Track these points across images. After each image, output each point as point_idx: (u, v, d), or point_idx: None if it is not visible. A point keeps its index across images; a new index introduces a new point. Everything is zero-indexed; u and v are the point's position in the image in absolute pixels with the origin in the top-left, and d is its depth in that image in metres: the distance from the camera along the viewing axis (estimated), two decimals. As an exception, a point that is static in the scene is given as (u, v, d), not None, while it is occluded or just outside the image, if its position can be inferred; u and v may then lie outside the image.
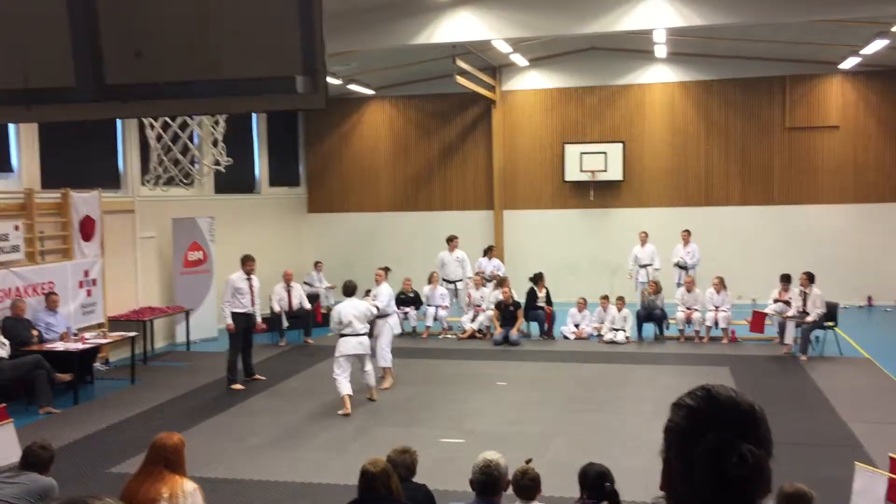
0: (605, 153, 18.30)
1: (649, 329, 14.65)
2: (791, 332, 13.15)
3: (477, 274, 15.95)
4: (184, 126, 9.62)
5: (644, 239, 16.42)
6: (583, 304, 15.08)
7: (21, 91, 1.99)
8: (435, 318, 15.45)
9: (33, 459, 5.68)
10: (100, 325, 13.05)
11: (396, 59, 16.84)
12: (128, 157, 14.42)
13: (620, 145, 18.32)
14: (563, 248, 18.66)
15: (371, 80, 18.63)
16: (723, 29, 14.21)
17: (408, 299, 15.64)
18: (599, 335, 14.65)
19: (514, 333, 14.45)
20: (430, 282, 15.68)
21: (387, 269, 12.11)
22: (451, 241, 16.17)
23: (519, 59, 17.85)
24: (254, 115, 18.10)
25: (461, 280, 16.10)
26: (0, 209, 11.45)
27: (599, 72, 18.65)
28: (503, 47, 15.71)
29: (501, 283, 15.24)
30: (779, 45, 16.14)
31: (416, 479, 5.47)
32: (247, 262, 11.96)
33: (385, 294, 11.57)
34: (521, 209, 19.21)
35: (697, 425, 1.64)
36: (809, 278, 13.19)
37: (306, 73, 1.89)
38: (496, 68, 18.92)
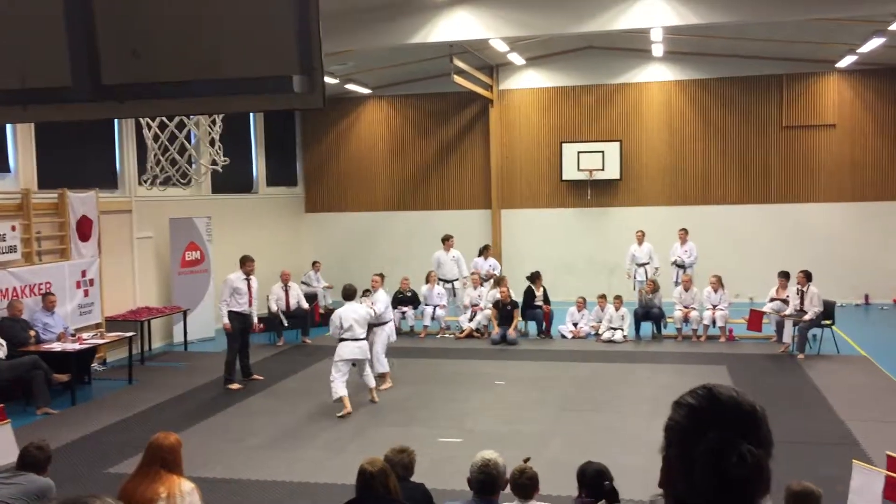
0: (602, 152, 18.31)
1: (647, 328, 14.66)
2: (788, 331, 13.16)
3: (473, 274, 15.95)
4: (181, 126, 9.62)
5: (641, 238, 16.43)
6: (582, 304, 15.09)
7: (18, 91, 1.99)
8: (433, 318, 15.45)
9: (30, 460, 5.68)
10: (97, 326, 13.04)
11: (394, 59, 16.84)
12: (125, 157, 14.40)
13: (618, 144, 18.33)
14: (561, 248, 18.67)
15: (368, 79, 18.63)
16: (719, 27, 14.23)
17: (405, 299, 15.64)
18: (597, 334, 14.65)
19: (511, 333, 14.45)
20: (427, 281, 15.68)
21: (382, 276, 12.07)
22: (447, 240, 16.17)
23: (516, 59, 17.85)
24: (251, 115, 18.08)
25: (457, 279, 16.11)
26: (-3, 209, 11.44)
27: (596, 71, 18.66)
28: (500, 46, 15.71)
29: (499, 282, 15.24)
30: (776, 43, 16.16)
31: (414, 478, 5.47)
32: (246, 263, 11.93)
33: (382, 301, 11.56)
34: (519, 208, 19.21)
35: (698, 424, 1.64)
36: (807, 277, 13.21)
37: (303, 72, 1.89)
38: (493, 67, 18.93)
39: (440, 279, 15.82)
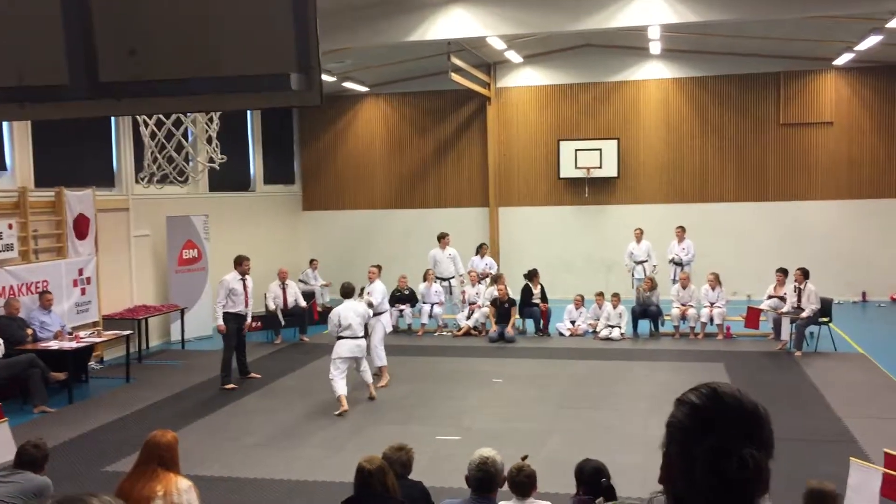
0: (599, 150, 18.31)
1: (644, 325, 14.67)
2: (786, 328, 13.18)
3: (470, 272, 15.97)
4: (178, 123, 9.59)
5: (639, 236, 16.44)
6: (579, 301, 15.09)
7: (15, 89, 1.98)
8: (430, 316, 15.45)
9: (27, 458, 5.68)
10: (94, 324, 13.02)
11: (391, 57, 16.83)
12: (122, 155, 14.38)
13: (615, 142, 18.33)
14: (559, 245, 18.68)
15: (366, 77, 18.61)
16: (717, 25, 14.23)
17: (403, 297, 15.63)
18: (595, 332, 14.66)
19: (509, 332, 14.45)
20: (425, 279, 15.68)
21: (379, 267, 12.10)
22: (443, 238, 16.18)
23: (513, 56, 17.84)
24: (248, 113, 18.06)
25: (454, 277, 16.12)
26: (-7, 208, 11.42)
27: (594, 68, 18.65)
28: (498, 44, 15.71)
29: (496, 279, 15.25)
30: (773, 41, 16.17)
31: (412, 476, 5.47)
32: (242, 263, 11.84)
33: (379, 291, 11.60)
34: (517, 206, 19.22)
35: (700, 423, 1.63)
36: (804, 274, 13.22)
37: (301, 70, 1.88)
38: (491, 65, 18.92)
39: (437, 277, 15.82)
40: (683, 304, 14.56)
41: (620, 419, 9.69)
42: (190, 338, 14.72)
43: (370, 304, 11.17)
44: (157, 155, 9.47)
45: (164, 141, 9.55)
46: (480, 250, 16.56)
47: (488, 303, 15.04)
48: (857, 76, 17.59)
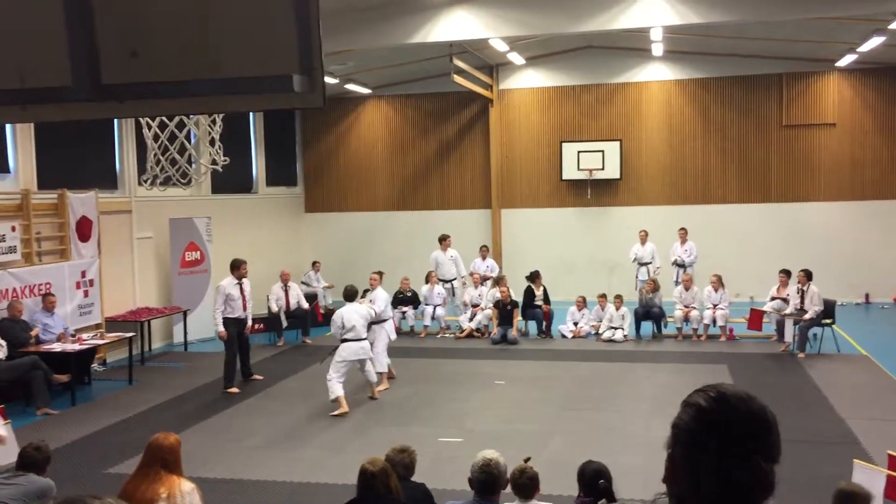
0: (602, 151, 18.30)
1: (647, 327, 14.66)
2: (789, 330, 13.16)
3: (471, 274, 15.98)
4: (181, 125, 9.60)
5: (644, 238, 16.42)
6: (582, 303, 15.08)
7: (17, 91, 1.98)
8: (433, 318, 15.45)
9: (28, 460, 5.69)
10: (97, 326, 13.03)
11: (393, 59, 16.83)
12: (124, 158, 14.40)
13: (618, 143, 18.32)
14: (561, 247, 18.66)
15: (368, 79, 18.62)
16: (719, 27, 14.22)
17: (406, 299, 15.63)
18: (597, 333, 14.65)
19: (514, 334, 14.42)
20: (427, 281, 15.67)
21: (381, 274, 12.06)
22: (444, 240, 16.19)
23: (516, 58, 17.84)
24: (250, 115, 18.07)
25: (456, 279, 16.12)
26: (-3, 210, 11.44)
27: (596, 70, 18.65)
28: (500, 46, 15.71)
29: (498, 281, 15.25)
30: (776, 42, 16.15)
31: (415, 478, 5.47)
32: (239, 267, 11.68)
33: (382, 299, 11.55)
34: (519, 208, 19.21)
35: (707, 427, 1.62)
36: (807, 276, 13.20)
37: (303, 71, 1.88)
38: (493, 67, 18.92)
39: (439, 279, 15.81)
40: (686, 306, 14.54)
41: (623, 421, 9.68)
42: (192, 340, 14.72)
43: (373, 310, 11.15)
44: (161, 157, 9.48)
45: (167, 143, 9.56)
46: (481, 252, 16.55)
47: (491, 305, 15.02)
48: (859, 77, 17.57)
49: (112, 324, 13.27)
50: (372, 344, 11.05)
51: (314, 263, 17.66)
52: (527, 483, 4.99)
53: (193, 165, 10.48)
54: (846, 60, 16.62)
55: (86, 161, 13.72)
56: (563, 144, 18.56)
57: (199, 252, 15.29)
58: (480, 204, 19.45)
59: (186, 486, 4.91)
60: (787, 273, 13.85)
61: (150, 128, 9.49)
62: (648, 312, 14.59)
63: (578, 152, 18.39)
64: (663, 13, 11.77)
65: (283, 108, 2.05)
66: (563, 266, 18.24)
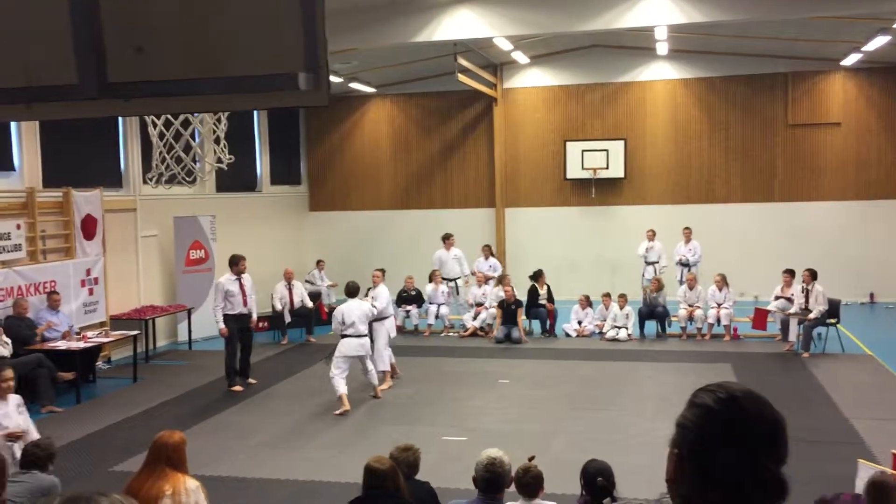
0: (606, 150, 18.28)
1: (651, 326, 14.64)
2: (793, 329, 13.14)
3: (473, 274, 15.99)
4: (186, 124, 9.61)
5: (651, 237, 16.40)
6: (586, 302, 15.07)
7: (23, 89, 1.99)
8: (437, 317, 15.45)
9: (31, 458, 5.73)
10: (102, 324, 13.06)
11: (398, 57, 16.84)
12: (129, 156, 14.42)
13: (622, 143, 18.31)
14: (565, 246, 18.65)
15: (372, 78, 18.63)
16: (724, 26, 14.20)
17: (410, 297, 15.64)
18: (601, 333, 14.64)
19: (523, 339, 14.38)
20: (431, 280, 15.68)
21: (383, 271, 12.04)
22: (447, 239, 16.19)
23: (520, 57, 17.83)
24: (255, 114, 18.09)
25: (459, 278, 16.13)
26: (2, 208, 11.46)
27: (601, 69, 18.63)
28: (504, 45, 15.70)
29: (500, 281, 15.26)
30: (781, 41, 16.12)
31: (419, 476, 5.47)
32: (238, 263, 11.53)
33: (383, 296, 11.50)
34: (523, 207, 19.20)
35: (717, 429, 1.59)
36: (812, 275, 13.18)
37: (308, 70, 1.88)
38: (497, 66, 18.91)
39: (442, 278, 15.82)
40: (690, 305, 14.53)
41: (627, 420, 9.68)
42: (197, 338, 14.74)
43: (374, 308, 11.14)
44: (166, 155, 9.49)
45: (172, 141, 9.57)
46: (483, 252, 16.54)
47: (495, 304, 15.02)
48: (865, 77, 17.53)
49: (117, 322, 13.30)
50: (373, 341, 11.05)
51: (318, 262, 17.68)
52: (530, 482, 4.99)
53: (198, 164, 10.48)
54: (851, 60, 16.58)
55: (91, 159, 13.75)
56: (568, 143, 18.54)
57: (203, 250, 15.31)
58: (484, 203, 19.44)
59: (191, 483, 4.92)
60: (790, 273, 13.82)
61: (155, 126, 9.50)
62: (652, 312, 14.58)
63: (582, 151, 18.38)
64: (668, 12, 11.74)
65: (289, 106, 2.05)
66: (567, 265, 18.23)
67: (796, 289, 13.46)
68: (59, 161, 12.76)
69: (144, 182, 12.66)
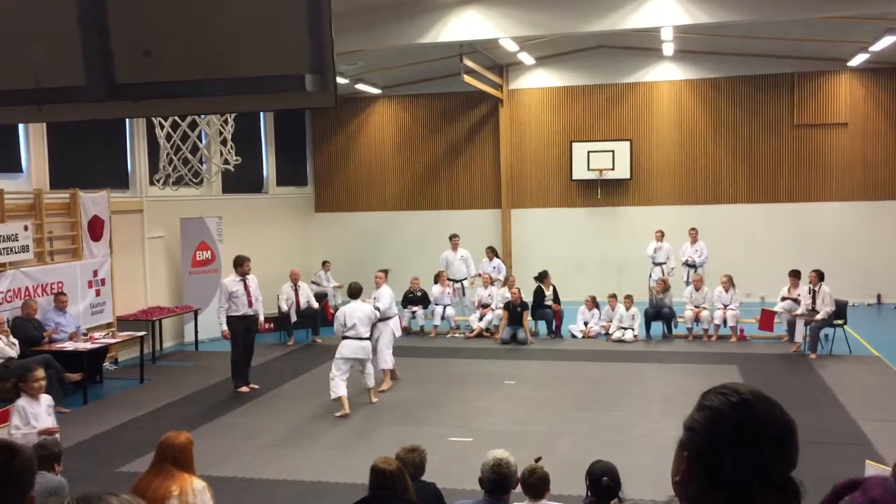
0: (612, 151, 18.27)
1: (658, 327, 14.62)
2: (800, 330, 13.10)
3: (478, 275, 15.99)
4: (193, 125, 9.64)
5: (660, 237, 16.38)
6: (592, 303, 15.05)
7: (32, 91, 2.00)
8: (443, 317, 15.45)
9: (38, 460, 5.71)
10: (109, 325, 13.10)
11: (403, 59, 16.85)
12: (136, 157, 14.47)
13: (628, 143, 18.29)
14: (571, 247, 18.64)
15: (378, 79, 18.64)
16: (730, 26, 14.17)
17: (416, 298, 15.65)
18: (608, 334, 14.62)
19: (530, 341, 14.36)
20: (436, 281, 15.68)
21: (386, 272, 12.01)
22: (453, 239, 16.20)
23: (526, 58, 17.83)
24: (261, 115, 18.13)
25: (466, 279, 16.13)
26: (9, 209, 11.50)
27: (606, 70, 18.62)
28: (510, 46, 15.70)
29: (504, 282, 15.27)
30: (787, 42, 16.09)
31: (425, 477, 5.47)
32: (243, 264, 11.39)
33: (386, 297, 11.43)
34: (529, 208, 19.19)
35: (728, 434, 1.57)
36: (819, 276, 13.14)
37: (315, 71, 1.89)
38: (503, 67, 18.91)
39: (448, 279, 15.82)
40: (697, 306, 14.50)
41: (633, 421, 9.66)
42: (203, 339, 14.77)
43: (377, 309, 11.12)
44: (173, 156, 9.52)
45: (179, 143, 9.59)
46: (487, 253, 16.53)
47: (501, 305, 15.01)
48: (871, 77, 17.48)
49: (123, 323, 13.34)
50: (376, 340, 11.03)
51: (324, 263, 17.70)
52: (536, 483, 4.99)
53: (205, 165, 10.50)
54: (858, 60, 16.54)
55: (98, 161, 13.79)
56: (574, 144, 18.53)
57: (209, 251, 15.35)
58: (490, 204, 19.44)
59: (198, 484, 4.94)
60: (796, 275, 13.78)
61: (162, 127, 9.52)
62: (659, 313, 14.56)
63: (588, 152, 18.37)
64: (674, 13, 11.73)
65: (296, 107, 2.07)
66: (573, 266, 18.21)
67: (803, 290, 13.42)
68: (67, 162, 12.80)
69: (151, 183, 12.68)
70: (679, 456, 1.65)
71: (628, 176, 18.34)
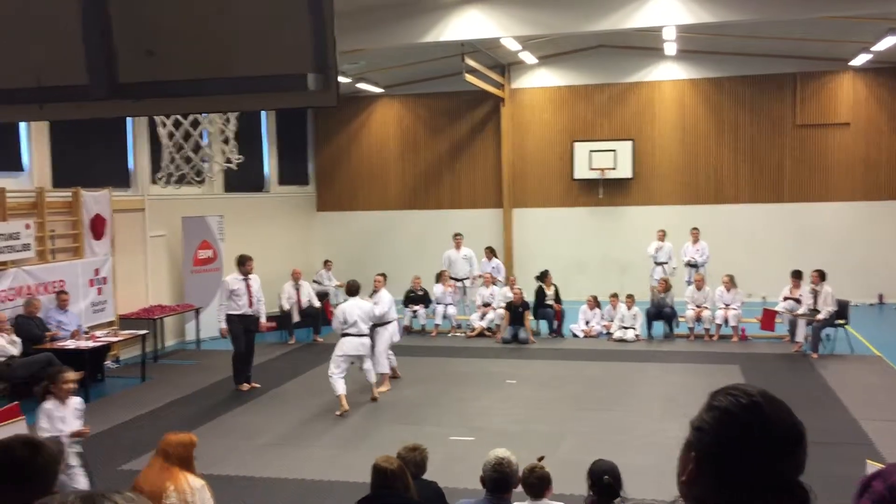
0: (614, 151, 18.26)
1: (659, 327, 14.62)
2: (802, 330, 13.10)
3: (479, 276, 15.99)
4: (195, 124, 9.63)
5: (662, 237, 16.37)
6: (593, 303, 15.05)
7: (34, 90, 2.00)
8: (444, 317, 15.45)
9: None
10: (110, 324, 13.11)
11: (405, 58, 16.85)
12: (138, 156, 14.48)
13: (630, 143, 18.28)
14: (573, 247, 18.63)
15: (380, 78, 18.64)
16: (732, 26, 14.16)
17: (417, 297, 15.65)
18: (609, 333, 14.62)
19: (531, 340, 14.36)
20: (438, 280, 15.68)
21: (384, 276, 11.88)
22: (457, 238, 16.19)
23: (528, 57, 17.82)
24: (262, 114, 18.14)
25: (468, 278, 16.12)
26: (11, 208, 11.51)
27: (608, 69, 18.61)
28: (512, 45, 15.70)
29: (505, 281, 15.26)
30: (789, 41, 16.08)
31: (426, 476, 5.47)
32: (245, 263, 11.41)
33: (385, 301, 11.35)
34: (531, 207, 19.19)
35: (737, 436, 1.57)
36: (821, 276, 13.13)
37: (318, 70, 1.89)
38: (505, 66, 18.91)
39: (451, 277, 15.82)
40: (698, 306, 14.50)
41: (634, 421, 9.66)
42: (205, 337, 14.79)
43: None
44: (175, 155, 9.51)
45: (181, 141, 9.59)
46: (486, 253, 16.52)
47: (503, 305, 15.00)
48: (874, 77, 17.46)
49: (125, 321, 13.35)
50: (374, 345, 10.99)
51: (325, 262, 17.71)
52: (536, 482, 4.99)
53: (207, 164, 10.50)
54: (860, 60, 16.52)
55: (99, 159, 13.81)
56: (575, 144, 18.53)
57: (211, 250, 15.36)
58: (492, 203, 19.44)
59: (197, 482, 4.95)
60: (798, 275, 13.78)
61: (164, 126, 9.52)
62: (660, 312, 14.55)
63: (590, 152, 18.36)
64: (676, 12, 11.72)
65: (298, 106, 2.07)
66: (574, 266, 18.20)
67: (805, 290, 13.42)
68: (68, 161, 12.81)
69: (153, 182, 12.70)
70: (686, 456, 1.64)
71: (630, 175, 18.33)
